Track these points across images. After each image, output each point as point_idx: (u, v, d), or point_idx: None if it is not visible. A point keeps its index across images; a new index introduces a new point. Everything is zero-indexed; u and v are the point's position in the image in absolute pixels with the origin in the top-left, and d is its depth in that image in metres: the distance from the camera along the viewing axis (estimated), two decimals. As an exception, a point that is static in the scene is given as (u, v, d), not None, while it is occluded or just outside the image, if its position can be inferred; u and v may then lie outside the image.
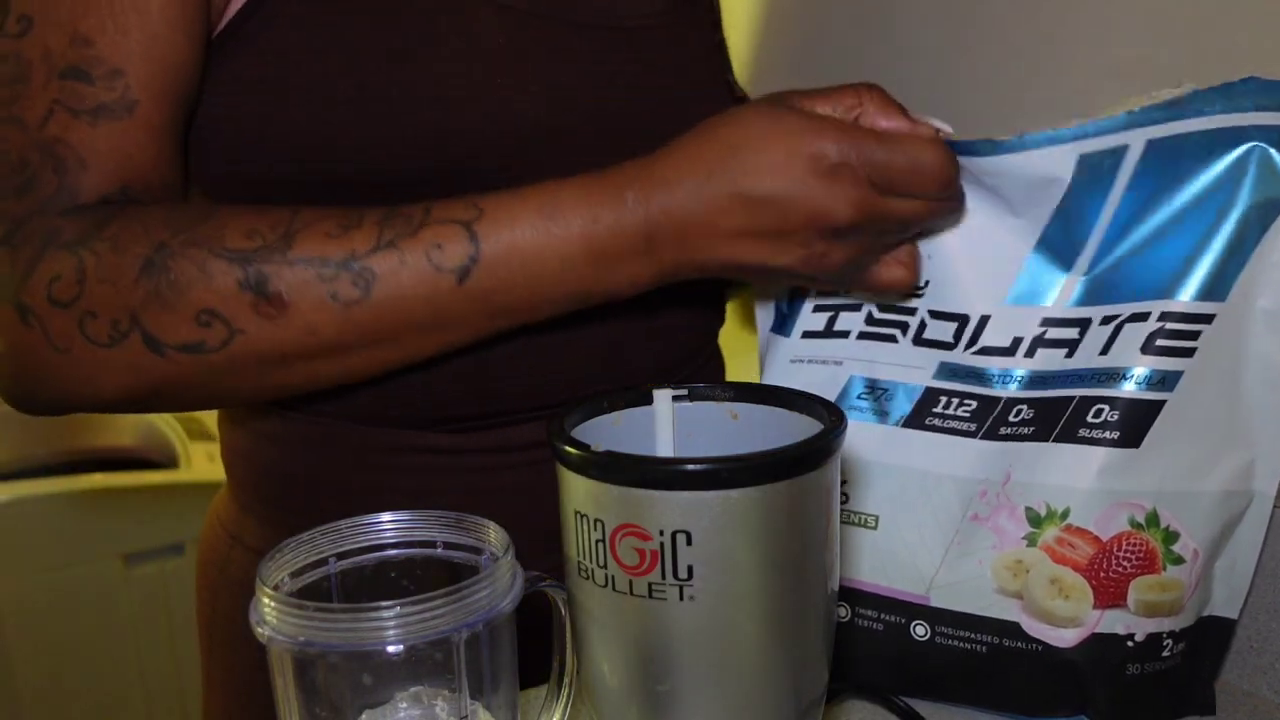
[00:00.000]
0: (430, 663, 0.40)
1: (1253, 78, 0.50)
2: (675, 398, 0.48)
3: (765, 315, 0.65)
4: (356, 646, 0.38)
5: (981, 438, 0.55)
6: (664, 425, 0.48)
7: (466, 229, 0.51)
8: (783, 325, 0.63)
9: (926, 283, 0.58)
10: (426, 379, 0.58)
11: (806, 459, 0.40)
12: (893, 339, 0.58)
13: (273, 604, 0.39)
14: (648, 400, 0.48)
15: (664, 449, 0.48)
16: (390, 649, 0.38)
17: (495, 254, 0.51)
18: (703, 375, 0.71)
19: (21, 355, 0.51)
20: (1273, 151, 0.51)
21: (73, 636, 1.67)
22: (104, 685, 1.70)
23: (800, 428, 0.45)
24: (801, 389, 0.60)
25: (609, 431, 0.47)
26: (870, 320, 0.59)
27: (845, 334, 0.60)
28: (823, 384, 0.60)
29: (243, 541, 0.67)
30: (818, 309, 0.62)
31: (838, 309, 0.61)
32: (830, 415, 0.43)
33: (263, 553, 0.66)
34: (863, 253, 0.53)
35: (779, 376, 0.62)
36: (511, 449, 0.63)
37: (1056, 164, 0.52)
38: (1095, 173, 0.52)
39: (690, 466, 0.39)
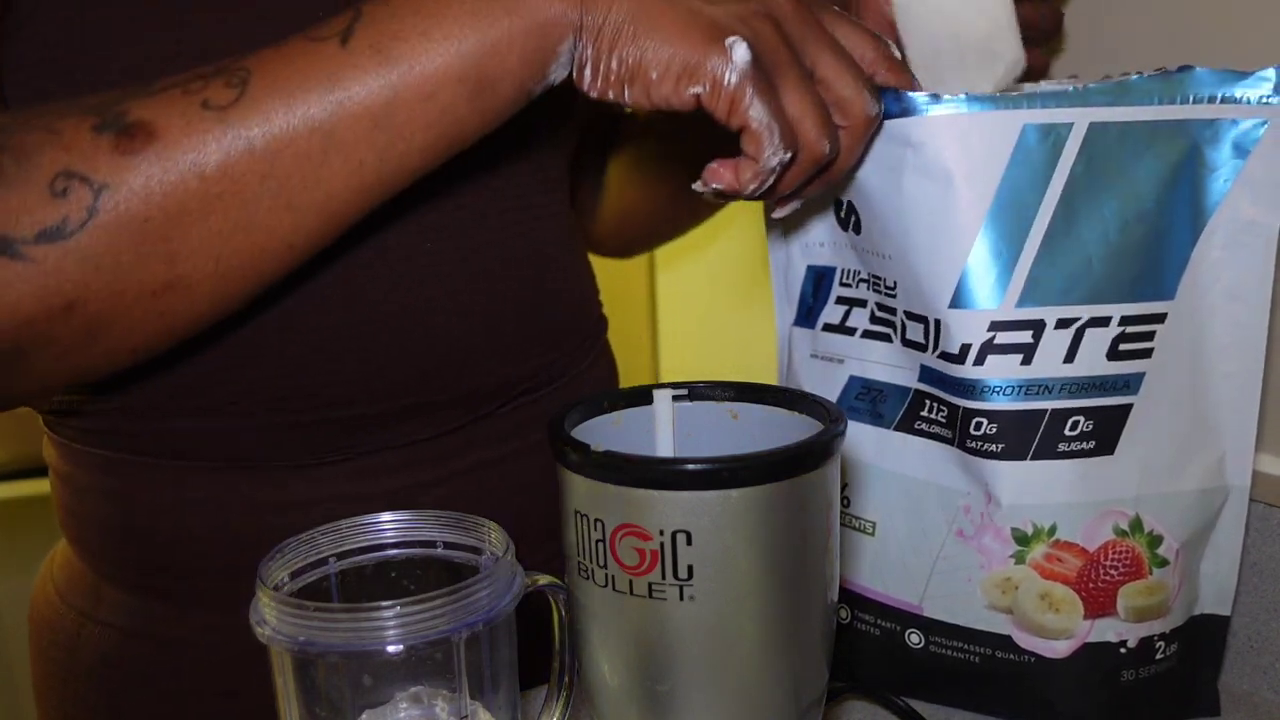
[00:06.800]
0: (430, 663, 0.40)
1: (1189, 67, 0.49)
2: (675, 397, 0.48)
3: (786, 309, 0.64)
4: (356, 646, 0.38)
5: (958, 446, 0.53)
6: (664, 425, 0.48)
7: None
8: (807, 317, 0.62)
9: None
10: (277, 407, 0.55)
11: (806, 459, 0.40)
12: (888, 338, 0.57)
13: (273, 604, 0.39)
14: (647, 400, 0.48)
15: (664, 449, 0.48)
16: (390, 649, 0.38)
17: (373, 11, 0.43)
18: (591, 375, 0.69)
19: None
20: (1205, 148, 0.50)
21: (73, 637, 1.66)
22: (104, 685, 1.69)
23: (800, 428, 0.45)
24: (819, 384, 0.61)
25: (609, 431, 0.47)
26: (873, 318, 0.58)
27: (853, 331, 0.59)
28: (834, 381, 0.60)
29: (96, 619, 0.60)
30: (839, 300, 0.60)
31: (853, 303, 0.59)
32: (830, 415, 0.43)
33: (129, 630, 0.60)
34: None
35: (800, 371, 0.62)
36: (372, 475, 0.59)
37: (1000, 131, 0.49)
38: (1037, 152, 0.49)
39: (690, 466, 0.39)
